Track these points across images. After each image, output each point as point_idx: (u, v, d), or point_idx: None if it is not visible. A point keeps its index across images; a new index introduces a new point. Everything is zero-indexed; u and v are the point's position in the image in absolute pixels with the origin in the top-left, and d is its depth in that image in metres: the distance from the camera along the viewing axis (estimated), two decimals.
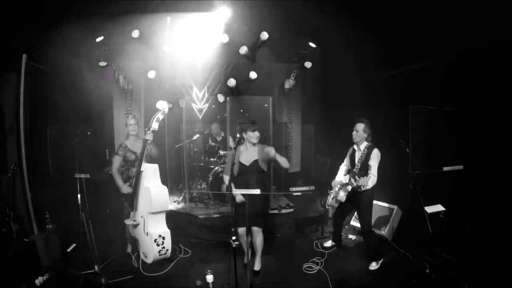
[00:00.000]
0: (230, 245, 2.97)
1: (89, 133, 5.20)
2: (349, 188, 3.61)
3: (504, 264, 3.13)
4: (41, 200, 4.01)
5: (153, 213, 3.41)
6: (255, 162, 3.44)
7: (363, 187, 3.38)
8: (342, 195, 3.73)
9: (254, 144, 3.47)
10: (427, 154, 3.88)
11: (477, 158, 3.49)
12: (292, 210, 4.89)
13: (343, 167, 4.02)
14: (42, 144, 4.32)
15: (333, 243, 4.26)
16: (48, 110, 4.45)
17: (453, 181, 3.53)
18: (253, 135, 3.40)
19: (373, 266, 3.69)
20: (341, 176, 3.96)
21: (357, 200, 3.68)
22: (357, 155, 3.71)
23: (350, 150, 3.89)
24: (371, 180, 3.41)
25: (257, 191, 2.92)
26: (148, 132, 3.47)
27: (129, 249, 4.01)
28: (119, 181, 3.66)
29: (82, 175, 3.50)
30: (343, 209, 4.00)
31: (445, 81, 3.94)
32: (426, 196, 3.33)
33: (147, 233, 3.39)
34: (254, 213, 3.34)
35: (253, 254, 3.69)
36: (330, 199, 3.98)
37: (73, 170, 3.55)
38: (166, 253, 3.48)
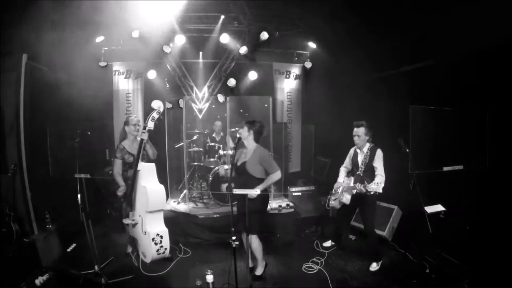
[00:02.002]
0: (230, 245, 2.97)
1: (89, 133, 5.20)
2: (355, 191, 3.58)
3: (504, 264, 3.13)
4: (41, 200, 4.00)
5: (150, 212, 3.40)
6: (243, 164, 3.43)
7: (373, 192, 3.34)
8: (348, 198, 3.70)
9: (251, 145, 3.48)
10: (427, 154, 3.88)
11: (477, 158, 3.49)
12: (292, 210, 4.88)
13: (343, 169, 3.99)
14: (42, 144, 4.31)
15: (333, 243, 4.26)
16: (48, 110, 4.45)
17: (453, 181, 3.52)
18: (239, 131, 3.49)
19: (374, 267, 3.68)
20: (343, 178, 3.94)
21: (361, 201, 3.66)
22: (360, 157, 3.69)
23: (352, 152, 3.87)
24: (381, 185, 3.35)
25: (257, 191, 2.92)
26: (144, 131, 3.46)
27: (129, 249, 4.01)
28: (121, 182, 3.67)
29: (82, 175, 3.50)
30: (347, 210, 3.98)
31: (445, 81, 3.94)
32: (426, 196, 3.32)
33: (145, 232, 3.39)
34: (246, 219, 3.27)
35: (254, 258, 3.65)
36: (332, 200, 3.97)
37: (73, 170, 3.54)
38: (164, 252, 3.47)
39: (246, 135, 3.49)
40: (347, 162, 3.94)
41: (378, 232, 4.34)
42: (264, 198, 3.41)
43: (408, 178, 3.32)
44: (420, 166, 3.35)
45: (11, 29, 3.72)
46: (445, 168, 3.26)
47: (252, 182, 3.38)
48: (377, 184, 3.28)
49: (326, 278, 3.52)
